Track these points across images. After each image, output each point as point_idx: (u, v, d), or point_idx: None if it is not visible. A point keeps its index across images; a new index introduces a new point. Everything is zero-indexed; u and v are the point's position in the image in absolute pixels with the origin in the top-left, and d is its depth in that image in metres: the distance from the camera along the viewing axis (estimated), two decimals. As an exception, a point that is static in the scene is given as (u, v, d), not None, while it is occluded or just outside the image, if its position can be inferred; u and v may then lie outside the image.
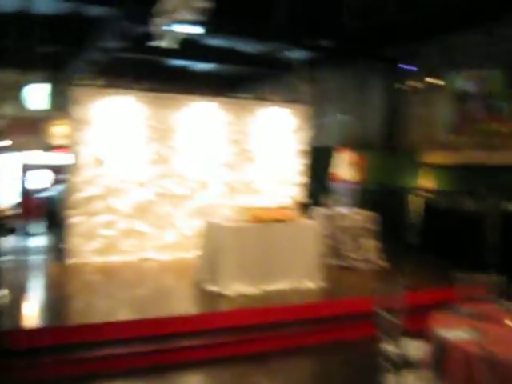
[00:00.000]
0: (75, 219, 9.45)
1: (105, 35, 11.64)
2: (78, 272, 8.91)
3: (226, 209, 10.26)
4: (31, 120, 16.61)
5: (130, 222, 9.80)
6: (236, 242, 7.43)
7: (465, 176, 10.25)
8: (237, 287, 7.43)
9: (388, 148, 12.36)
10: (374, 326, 4.78)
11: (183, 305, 7.34)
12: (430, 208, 10.89)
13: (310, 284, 7.91)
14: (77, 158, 9.41)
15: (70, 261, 9.38)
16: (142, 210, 9.88)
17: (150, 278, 8.96)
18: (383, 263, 9.59)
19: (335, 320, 6.97)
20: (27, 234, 12.70)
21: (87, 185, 9.49)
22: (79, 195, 9.44)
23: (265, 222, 7.60)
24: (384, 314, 4.55)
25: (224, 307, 7.11)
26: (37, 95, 16.80)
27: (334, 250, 9.45)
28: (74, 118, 9.44)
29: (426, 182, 11.18)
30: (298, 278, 7.87)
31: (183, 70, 16.69)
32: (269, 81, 16.54)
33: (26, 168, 15.75)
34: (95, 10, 11.94)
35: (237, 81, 16.90)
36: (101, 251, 9.60)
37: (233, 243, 7.41)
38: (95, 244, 9.58)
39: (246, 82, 16.97)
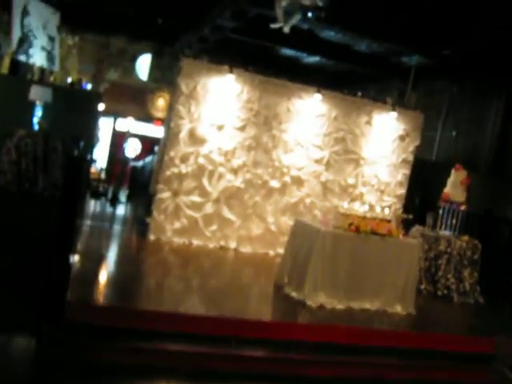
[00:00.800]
0: (163, 195, 9.15)
1: (222, 13, 11.26)
2: (157, 249, 8.63)
3: (320, 210, 9.77)
4: (134, 89, 16.63)
5: (218, 206, 9.39)
6: (329, 250, 6.80)
7: None
8: (321, 298, 6.81)
9: (497, 172, 11.25)
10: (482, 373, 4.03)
11: (258, 307, 6.82)
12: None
13: (399, 308, 7.16)
14: (174, 132, 9.09)
15: (151, 236, 9.11)
16: (231, 197, 9.44)
17: (228, 269, 8.55)
18: (481, 298, 8.66)
19: (426, 356, 6.21)
20: (114, 201, 12.68)
21: (180, 161, 9.16)
22: (171, 171, 9.12)
23: (363, 232, 6.92)
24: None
25: (303, 319, 6.53)
26: (144, 65, 16.83)
27: (431, 276, 8.62)
28: (178, 91, 9.10)
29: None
30: (389, 299, 7.14)
31: (292, 61, 16.12)
32: (379, 83, 15.67)
33: (123, 135, 15.78)
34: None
35: (345, 78, 16.15)
36: (183, 232, 9.25)
37: (326, 250, 6.79)
38: (179, 224, 9.24)
39: (354, 80, 16.16)
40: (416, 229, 8.88)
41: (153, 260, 8.14)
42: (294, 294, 6.95)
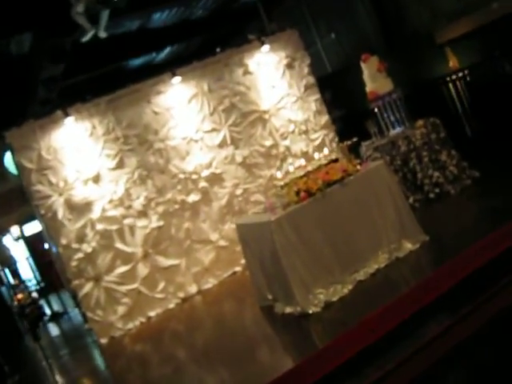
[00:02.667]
0: (84, 290, 7.23)
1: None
2: (118, 351, 6.78)
3: (258, 192, 8.12)
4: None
5: (150, 261, 7.53)
6: (294, 236, 5.11)
7: (491, 39, 7.84)
8: (321, 296, 5.14)
9: (395, 50, 9.84)
10: None
11: (267, 355, 5.04)
12: (473, 89, 8.47)
13: (409, 245, 5.57)
14: (49, 217, 7.18)
15: (102, 340, 7.20)
16: (157, 242, 7.61)
17: (207, 318, 6.76)
18: (476, 172, 7.21)
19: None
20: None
21: (78, 243, 7.23)
22: (75, 259, 7.21)
23: (317, 192, 5.26)
24: None
25: (323, 335, 4.81)
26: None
27: (412, 184, 7.10)
28: (25, 172, 7.15)
29: (454, 62, 8.72)
30: (392, 243, 5.53)
31: (145, 68, 14.11)
32: (237, 38, 13.87)
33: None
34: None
35: (203, 53, 14.32)
36: (132, 312, 7.38)
37: (291, 239, 5.09)
38: (121, 308, 7.35)
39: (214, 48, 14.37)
40: (365, 147, 7.32)
41: (123, 365, 6.29)
42: (288, 310, 5.26)
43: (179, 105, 7.93)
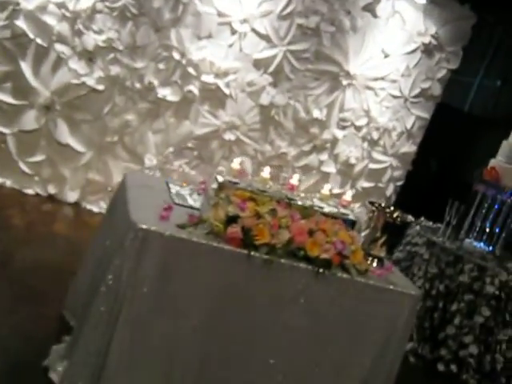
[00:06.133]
0: None
1: None
2: None
3: (250, 157, 5.34)
4: None
5: (48, 119, 4.80)
6: (154, 287, 2.28)
7: None
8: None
9: None
10: None
11: None
12: None
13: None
14: None
15: None
16: (74, 104, 4.84)
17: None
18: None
19: None
20: None
21: None
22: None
23: (271, 253, 2.39)
24: None
25: None
26: None
27: (430, 329, 4.18)
28: None
29: None
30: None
31: None
32: None
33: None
34: None
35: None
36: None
37: (142, 284, 2.27)
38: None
39: None
40: (418, 229, 4.36)
41: None
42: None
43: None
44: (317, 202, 2.76)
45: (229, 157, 5.12)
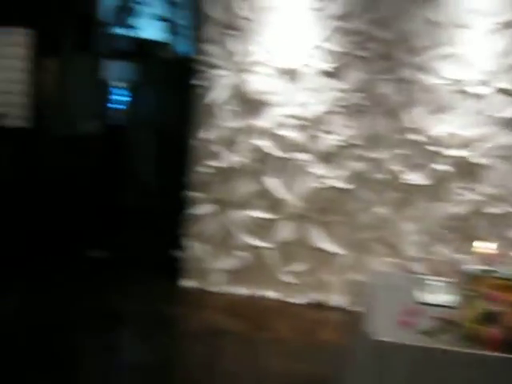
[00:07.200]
0: (202, 209, 5.08)
1: None
2: (196, 308, 4.64)
3: None
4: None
5: (302, 227, 4.90)
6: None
7: None
8: None
9: None
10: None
11: None
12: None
13: None
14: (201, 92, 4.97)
15: (185, 283, 5.12)
16: (325, 209, 4.85)
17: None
18: None
19: None
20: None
21: (225, 146, 4.97)
22: (207, 166, 5.00)
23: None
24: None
25: None
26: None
27: None
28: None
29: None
30: None
31: None
32: None
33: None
34: None
35: None
36: (240, 275, 5.01)
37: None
38: (231, 261, 5.05)
39: None
40: None
41: (190, 329, 4.18)
42: None
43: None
44: None
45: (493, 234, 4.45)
